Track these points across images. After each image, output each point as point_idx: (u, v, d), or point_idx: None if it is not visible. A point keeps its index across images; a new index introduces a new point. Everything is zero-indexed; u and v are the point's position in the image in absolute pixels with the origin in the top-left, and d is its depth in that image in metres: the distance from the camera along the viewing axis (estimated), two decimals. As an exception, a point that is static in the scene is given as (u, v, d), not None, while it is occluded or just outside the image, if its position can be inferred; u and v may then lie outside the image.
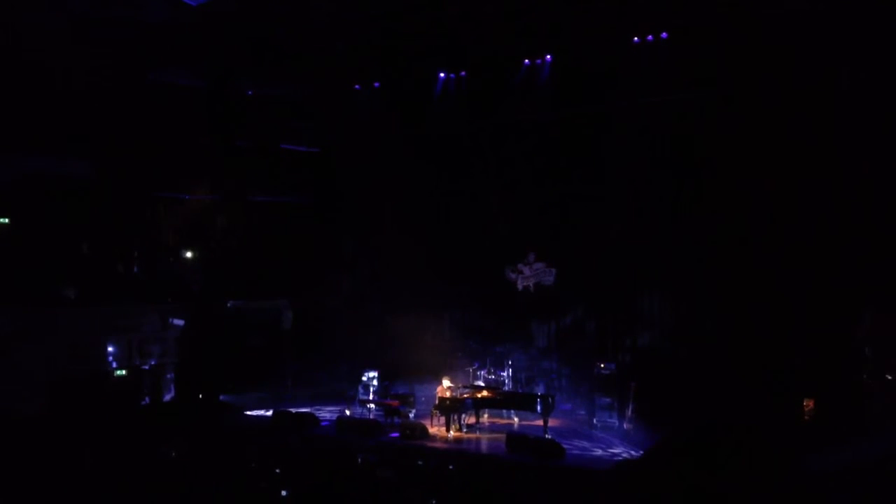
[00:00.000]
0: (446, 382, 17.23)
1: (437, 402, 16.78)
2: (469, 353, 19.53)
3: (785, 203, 15.40)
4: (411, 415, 17.50)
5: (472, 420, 16.84)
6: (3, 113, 17.23)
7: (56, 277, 18.93)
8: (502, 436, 15.26)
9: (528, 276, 19.75)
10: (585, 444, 15.59)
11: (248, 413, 19.12)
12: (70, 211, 19.14)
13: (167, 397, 19.89)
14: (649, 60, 17.11)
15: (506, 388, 18.15)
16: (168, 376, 19.98)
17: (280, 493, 11.46)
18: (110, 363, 18.95)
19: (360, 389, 18.67)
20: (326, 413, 18.39)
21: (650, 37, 17.15)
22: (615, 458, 14.46)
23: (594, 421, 16.90)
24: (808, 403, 14.56)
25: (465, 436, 16.30)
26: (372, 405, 18.05)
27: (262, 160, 21.92)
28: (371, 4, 17.35)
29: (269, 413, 18.10)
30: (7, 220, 18.55)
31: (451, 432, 16.26)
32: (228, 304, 21.15)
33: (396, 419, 16.86)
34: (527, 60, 18.84)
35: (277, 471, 12.43)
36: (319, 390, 20.26)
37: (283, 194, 22.47)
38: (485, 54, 18.97)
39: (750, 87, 16.00)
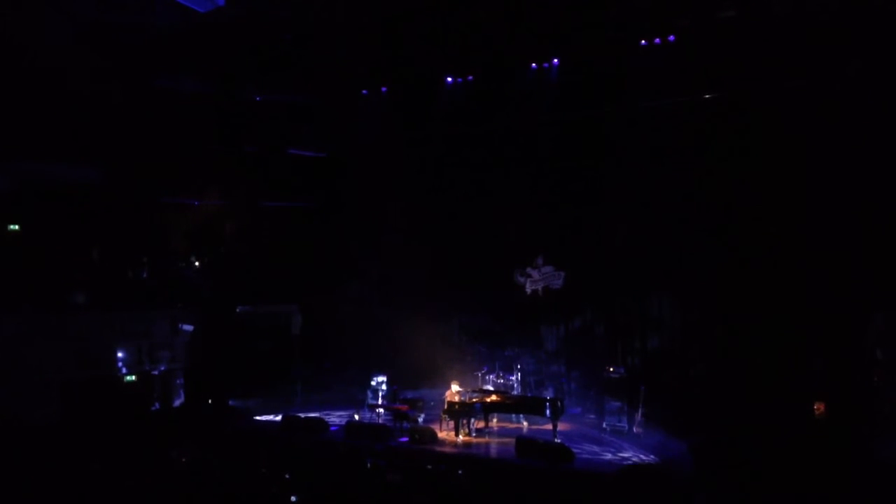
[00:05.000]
0: (455, 387, 17.21)
1: (445, 406, 16.73)
2: (478, 357, 19.51)
3: (795, 205, 15.34)
4: (420, 419, 17.43)
5: (481, 424, 16.77)
6: (12, 119, 17.33)
7: (66, 283, 19.01)
8: (511, 440, 15.18)
9: (537, 279, 19.71)
10: (595, 448, 15.51)
11: (258, 418, 19.14)
12: (79, 217, 19.24)
13: (177, 402, 19.98)
14: (657, 63, 17.07)
15: (515, 392, 18.09)
16: (178, 381, 20.08)
17: (290, 498, 11.49)
18: (120, 368, 19.05)
19: (369, 394, 18.64)
20: (335, 418, 18.40)
21: (657, 39, 17.14)
22: (625, 462, 14.42)
23: (604, 425, 16.83)
24: (819, 406, 14.49)
25: (475, 440, 16.24)
26: (381, 410, 18.03)
27: (270, 165, 21.99)
28: (378, 9, 17.39)
29: (279, 418, 18.11)
30: (18, 227, 18.64)
31: (461, 437, 16.22)
32: (237, 309, 21.22)
33: (405, 424, 16.81)
34: (534, 64, 18.84)
35: (287, 476, 12.47)
36: (328, 395, 20.25)
37: (290, 199, 22.50)
38: (492, 58, 18.96)
39: (758, 88, 15.95)
